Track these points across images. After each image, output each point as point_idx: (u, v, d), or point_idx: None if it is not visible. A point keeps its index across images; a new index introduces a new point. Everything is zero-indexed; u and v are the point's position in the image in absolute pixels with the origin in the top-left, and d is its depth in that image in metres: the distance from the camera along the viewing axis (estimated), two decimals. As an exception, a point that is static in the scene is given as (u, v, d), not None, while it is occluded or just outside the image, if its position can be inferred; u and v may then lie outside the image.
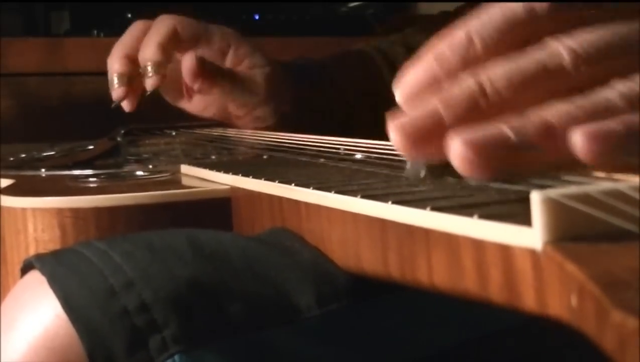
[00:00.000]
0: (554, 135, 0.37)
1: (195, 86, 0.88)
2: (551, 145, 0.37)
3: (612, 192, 0.32)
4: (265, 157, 0.74)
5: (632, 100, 0.38)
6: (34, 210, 0.63)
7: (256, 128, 0.94)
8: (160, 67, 0.89)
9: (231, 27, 0.98)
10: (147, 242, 0.53)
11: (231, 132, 0.94)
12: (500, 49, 0.41)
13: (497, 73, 0.40)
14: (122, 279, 0.49)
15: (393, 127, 0.40)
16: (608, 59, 0.40)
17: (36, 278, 0.52)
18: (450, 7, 1.13)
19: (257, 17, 1.60)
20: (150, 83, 0.89)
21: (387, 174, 0.52)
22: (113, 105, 0.92)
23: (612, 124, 0.36)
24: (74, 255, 0.53)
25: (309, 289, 0.51)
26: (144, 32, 0.92)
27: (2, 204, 0.67)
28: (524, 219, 0.33)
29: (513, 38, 0.41)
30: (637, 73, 0.39)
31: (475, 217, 0.35)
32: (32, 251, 0.63)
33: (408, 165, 0.43)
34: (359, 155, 0.63)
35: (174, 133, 1.00)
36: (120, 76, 0.91)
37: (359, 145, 0.66)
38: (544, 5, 0.41)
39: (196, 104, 0.95)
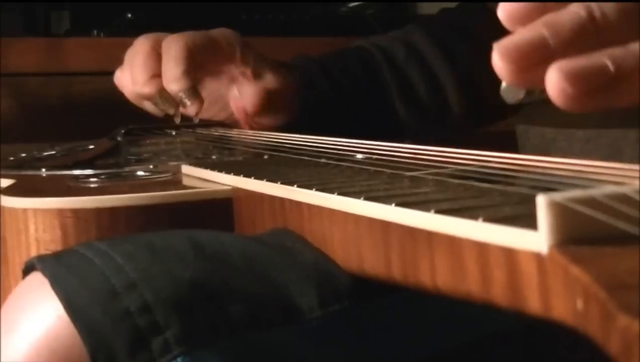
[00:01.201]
0: None
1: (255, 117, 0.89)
2: None
3: (617, 195, 0.32)
4: (266, 157, 0.74)
5: None
6: (35, 210, 0.63)
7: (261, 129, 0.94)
8: (193, 92, 0.89)
9: (231, 27, 0.98)
10: (148, 243, 0.53)
11: (232, 132, 0.94)
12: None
13: (607, 2, 0.39)
14: (124, 280, 0.49)
15: (498, 51, 0.39)
16: None
17: (38, 279, 0.52)
18: (450, 6, 1.14)
19: (257, 17, 1.60)
20: (192, 111, 0.89)
21: (389, 175, 0.52)
22: (177, 120, 0.92)
23: None
24: (76, 256, 0.53)
25: (310, 290, 0.51)
26: (156, 50, 0.91)
27: (3, 204, 0.67)
28: (529, 222, 0.33)
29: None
30: None
31: (480, 220, 0.35)
32: (33, 252, 0.63)
33: (504, 87, 0.41)
34: (359, 156, 0.63)
35: (174, 133, 1.00)
36: (161, 96, 0.91)
37: (359, 146, 0.66)
38: None
39: (207, 111, 0.95)
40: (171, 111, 0.90)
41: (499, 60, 0.39)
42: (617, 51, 0.37)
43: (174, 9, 1.48)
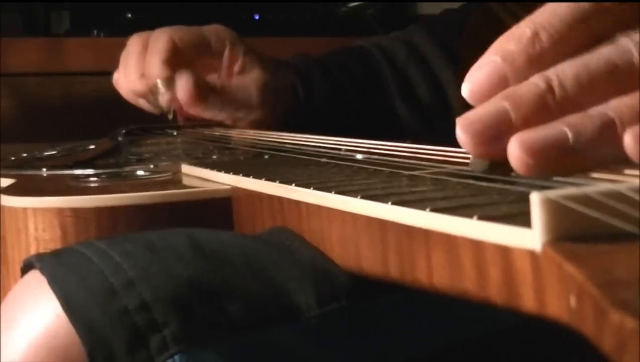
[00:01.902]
0: (613, 131, 0.37)
1: (190, 109, 0.89)
2: (611, 141, 0.37)
3: (611, 193, 0.32)
4: (266, 157, 0.74)
5: None
6: (34, 209, 0.63)
7: (256, 129, 0.94)
8: (170, 82, 0.89)
9: (231, 27, 0.98)
10: (147, 241, 0.53)
11: (232, 132, 0.94)
12: (568, 44, 0.40)
13: (565, 71, 0.39)
14: (122, 279, 0.49)
15: (461, 125, 0.40)
16: None
17: (36, 278, 0.52)
18: (450, 7, 1.14)
19: (257, 17, 1.60)
20: (164, 99, 0.89)
21: (388, 174, 0.52)
22: (170, 116, 0.93)
23: None
24: (74, 255, 0.53)
25: (309, 289, 0.51)
26: (146, 46, 0.92)
27: (3, 203, 0.67)
28: (524, 220, 0.33)
29: (581, 33, 0.41)
30: None
31: (475, 218, 0.35)
32: (32, 251, 0.63)
33: (472, 160, 0.42)
34: (359, 156, 0.63)
35: (175, 133, 1.00)
36: (156, 90, 0.91)
37: (359, 145, 0.66)
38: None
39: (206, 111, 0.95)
40: (164, 107, 0.90)
41: (461, 134, 0.39)
42: (576, 119, 0.38)
43: (174, 9, 1.48)
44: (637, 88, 0.38)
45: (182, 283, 0.49)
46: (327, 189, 0.48)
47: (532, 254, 0.33)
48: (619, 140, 0.37)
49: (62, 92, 1.39)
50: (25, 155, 0.93)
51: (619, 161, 0.38)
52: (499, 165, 0.40)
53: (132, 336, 0.48)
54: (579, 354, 0.41)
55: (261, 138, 0.85)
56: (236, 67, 0.94)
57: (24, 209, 0.64)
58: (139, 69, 0.92)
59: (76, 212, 0.63)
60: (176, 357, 0.48)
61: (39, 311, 0.50)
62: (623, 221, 0.30)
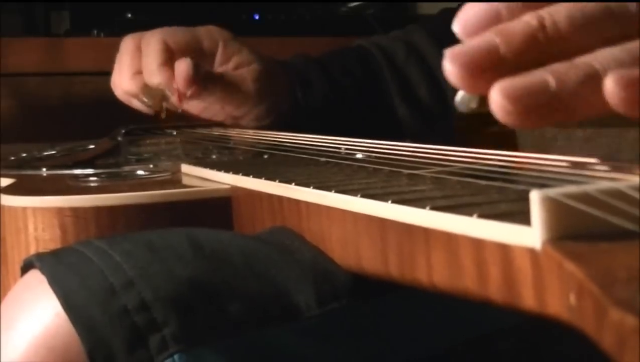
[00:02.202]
0: (597, 82, 0.36)
1: (188, 92, 0.89)
2: (593, 93, 0.36)
3: (611, 191, 0.32)
4: (265, 156, 0.74)
5: None
6: (34, 209, 0.64)
7: (256, 127, 0.94)
8: (171, 85, 0.89)
9: (231, 27, 0.98)
10: (147, 241, 0.53)
11: (232, 132, 0.95)
12: None
13: (559, 10, 0.39)
14: (122, 278, 0.49)
15: (450, 56, 0.39)
16: None
17: (36, 277, 0.52)
18: (450, 7, 1.14)
19: (257, 17, 1.60)
20: (172, 102, 0.90)
21: (388, 173, 0.52)
22: (162, 115, 0.93)
23: None
24: (74, 254, 0.53)
25: (308, 288, 0.51)
26: (138, 47, 0.92)
27: (3, 203, 0.67)
28: (523, 218, 0.33)
29: None
30: None
31: (475, 216, 0.35)
32: (32, 250, 0.63)
33: (459, 95, 0.42)
34: (359, 155, 0.63)
35: (174, 133, 1.01)
36: (145, 92, 0.91)
37: (359, 145, 0.66)
38: None
39: (194, 106, 0.95)
40: (156, 107, 0.91)
41: (449, 65, 0.39)
42: (561, 67, 0.37)
43: (174, 9, 1.48)
44: (631, 37, 0.38)
45: (182, 283, 0.49)
46: (327, 188, 0.48)
47: (532, 252, 0.33)
48: (601, 93, 0.36)
49: (62, 92, 1.39)
50: (25, 155, 0.93)
51: (602, 114, 0.37)
52: (485, 101, 0.40)
53: (131, 335, 0.48)
54: (579, 353, 0.41)
55: (260, 138, 0.85)
56: (231, 64, 0.94)
57: (24, 209, 0.64)
58: (132, 69, 0.92)
59: (76, 211, 0.63)
60: (176, 356, 0.48)
61: (39, 310, 0.50)
62: (623, 219, 0.30)
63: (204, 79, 0.90)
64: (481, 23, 0.40)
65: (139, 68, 0.91)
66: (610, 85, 0.35)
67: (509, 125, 0.38)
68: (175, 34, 0.93)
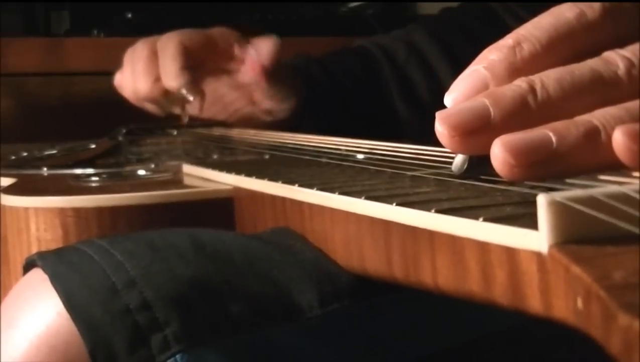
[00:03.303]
0: (598, 139, 0.37)
1: (256, 75, 0.90)
2: (594, 149, 0.37)
3: (617, 195, 0.32)
4: (266, 156, 0.74)
5: None
6: (36, 209, 0.64)
7: (266, 127, 0.94)
8: (192, 87, 0.89)
9: (231, 27, 0.98)
10: (148, 240, 0.53)
11: (233, 132, 0.95)
12: (550, 55, 0.41)
13: (549, 75, 0.40)
14: (124, 278, 0.49)
15: (439, 117, 0.40)
16: None
17: (38, 276, 0.52)
18: (450, 6, 1.14)
19: (257, 17, 1.60)
20: (196, 104, 0.90)
21: (390, 175, 0.52)
22: (185, 120, 0.93)
23: None
24: (76, 253, 0.53)
25: (310, 289, 0.51)
26: (154, 51, 0.92)
27: (5, 203, 0.67)
28: (529, 221, 0.33)
29: (564, 46, 0.41)
30: None
31: (481, 219, 0.35)
32: (34, 250, 0.63)
33: (456, 159, 0.43)
34: (360, 156, 0.63)
35: (175, 132, 1.01)
36: (165, 97, 0.91)
37: (360, 146, 0.66)
38: (595, 8, 0.41)
39: (196, 107, 0.95)
40: (178, 111, 0.91)
41: (439, 126, 0.40)
42: (560, 124, 0.38)
43: (174, 9, 1.48)
44: (621, 100, 0.39)
45: (184, 282, 0.50)
46: (331, 190, 0.48)
47: (538, 255, 0.33)
48: (603, 148, 0.37)
49: (62, 92, 1.38)
50: (25, 154, 0.93)
51: (602, 170, 0.39)
52: (479, 164, 0.41)
53: (133, 335, 0.48)
54: (581, 354, 0.41)
55: (261, 138, 0.85)
56: (245, 69, 0.94)
57: (26, 209, 0.64)
58: (151, 74, 0.92)
59: (77, 212, 0.63)
60: (177, 356, 0.48)
61: (41, 309, 0.50)
62: (629, 223, 0.30)
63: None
64: (471, 94, 0.41)
65: (157, 74, 0.91)
66: (619, 138, 0.36)
67: (511, 180, 0.38)
68: (191, 36, 0.93)
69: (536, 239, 0.32)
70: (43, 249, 0.62)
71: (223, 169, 0.65)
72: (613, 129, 0.37)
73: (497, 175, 0.38)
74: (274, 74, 0.93)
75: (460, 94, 0.42)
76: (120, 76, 0.96)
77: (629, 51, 0.40)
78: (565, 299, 0.31)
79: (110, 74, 0.97)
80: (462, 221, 0.37)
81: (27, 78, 1.37)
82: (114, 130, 1.01)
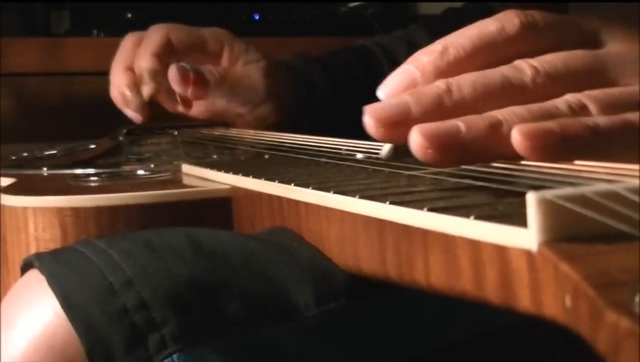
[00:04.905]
0: (500, 130, 0.43)
1: (189, 94, 0.89)
2: (497, 139, 0.43)
3: (607, 193, 0.32)
4: (266, 156, 0.74)
5: (574, 109, 0.45)
6: (34, 209, 0.64)
7: (259, 128, 0.94)
8: (155, 75, 0.89)
9: (230, 27, 0.98)
10: (146, 240, 0.53)
11: (233, 132, 0.95)
12: (473, 61, 0.48)
13: (466, 78, 0.46)
14: (121, 278, 0.49)
15: (367, 111, 0.46)
16: (565, 79, 0.47)
17: (35, 277, 0.52)
18: (451, 7, 1.14)
19: (257, 17, 1.60)
20: (146, 91, 0.90)
21: (387, 174, 0.52)
22: (135, 118, 0.92)
23: (548, 124, 0.42)
24: (74, 253, 0.53)
25: (307, 288, 0.51)
26: (138, 43, 0.92)
27: (3, 203, 0.67)
28: (520, 219, 0.33)
29: (485, 54, 0.48)
30: (588, 89, 0.46)
31: (472, 218, 0.36)
32: (32, 250, 0.63)
33: (384, 147, 0.48)
34: (359, 156, 0.63)
35: (175, 132, 1.01)
36: (131, 87, 0.91)
37: (359, 146, 0.66)
38: (515, 23, 0.48)
39: (197, 108, 0.95)
40: (136, 105, 0.90)
41: (366, 119, 0.45)
42: (470, 117, 0.44)
43: (174, 9, 1.48)
44: (527, 102, 0.45)
45: (181, 282, 0.50)
46: (326, 189, 0.48)
47: (528, 253, 0.33)
48: (504, 140, 0.42)
49: (62, 92, 1.38)
50: (25, 154, 0.93)
51: (505, 158, 0.45)
52: (402, 150, 0.46)
53: (130, 334, 0.48)
54: (577, 353, 0.41)
55: (261, 138, 0.85)
56: (239, 64, 0.94)
57: (24, 209, 0.64)
58: (125, 63, 0.92)
59: (76, 211, 0.63)
60: (174, 356, 0.48)
61: (38, 309, 0.50)
62: (619, 221, 0.31)
63: (199, 77, 0.90)
64: (401, 90, 0.48)
65: (130, 65, 0.92)
66: (515, 135, 0.41)
67: (427, 163, 0.44)
68: (179, 31, 0.93)
69: (526, 237, 0.32)
70: (41, 248, 0.62)
71: (221, 169, 0.65)
72: (515, 124, 0.42)
73: (420, 162, 0.44)
74: (230, 84, 0.92)
75: (391, 89, 0.48)
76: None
77: (537, 61, 0.47)
78: (554, 297, 0.31)
79: (110, 74, 0.97)
80: (454, 219, 0.37)
81: (27, 78, 1.36)
82: (114, 131, 1.01)
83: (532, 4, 0.54)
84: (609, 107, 0.45)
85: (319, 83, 1.00)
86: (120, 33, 0.98)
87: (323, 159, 0.64)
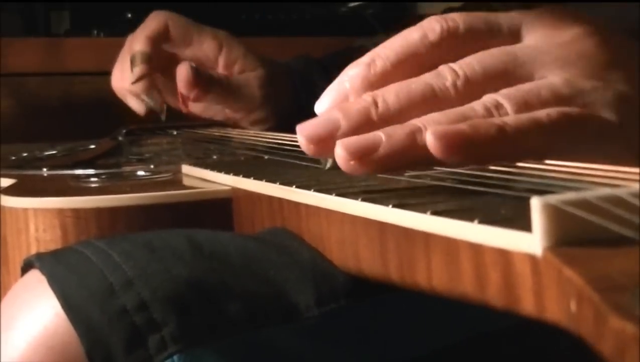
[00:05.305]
0: (419, 137, 0.45)
1: (191, 95, 0.89)
2: (416, 146, 0.45)
3: (610, 198, 0.32)
4: (266, 157, 0.74)
5: (490, 110, 0.46)
6: (35, 210, 0.64)
7: (257, 129, 0.94)
8: (146, 57, 0.89)
9: (230, 27, 0.98)
10: (146, 241, 0.53)
11: (233, 133, 0.95)
12: (399, 71, 0.49)
13: (389, 90, 0.48)
14: (121, 278, 0.49)
15: (298, 130, 0.48)
16: (483, 79, 0.48)
17: (36, 277, 0.52)
18: (450, 7, 1.13)
19: (257, 17, 1.60)
20: (135, 72, 0.89)
21: (387, 177, 0.52)
22: (162, 117, 0.93)
23: (459, 125, 0.44)
24: (74, 254, 0.53)
25: (307, 289, 0.51)
26: None
27: (4, 203, 0.67)
28: (523, 224, 0.33)
29: (410, 63, 0.50)
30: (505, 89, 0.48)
31: (476, 222, 0.36)
32: (33, 251, 0.63)
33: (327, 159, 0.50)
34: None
35: (175, 133, 1.01)
36: (151, 92, 0.91)
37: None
38: (436, 29, 0.50)
39: (196, 106, 0.95)
40: (156, 108, 0.90)
41: (299, 136, 0.47)
42: (392, 127, 0.46)
43: (174, 9, 1.47)
44: (451, 106, 0.47)
45: (181, 283, 0.50)
46: (328, 191, 0.48)
47: (532, 258, 0.33)
48: (423, 146, 0.44)
49: (62, 92, 1.38)
50: (25, 155, 0.93)
51: (428, 164, 0.46)
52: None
53: (130, 335, 0.48)
54: (578, 354, 0.41)
55: (261, 139, 0.85)
56: (236, 68, 0.94)
57: (25, 210, 0.64)
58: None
59: (77, 212, 0.63)
60: (175, 357, 0.48)
61: (39, 310, 0.50)
62: (622, 226, 0.31)
63: (207, 82, 0.90)
64: (334, 103, 0.49)
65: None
66: (428, 138, 0.43)
67: (350, 173, 0.46)
68: (179, 22, 0.93)
69: (530, 242, 0.32)
70: (42, 249, 0.62)
71: (222, 170, 0.65)
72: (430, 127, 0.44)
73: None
74: (229, 89, 0.92)
75: (326, 105, 0.49)
76: (114, 70, 0.96)
77: (457, 64, 0.49)
78: (558, 302, 0.31)
79: (110, 74, 0.97)
80: (457, 223, 0.37)
81: (27, 78, 1.36)
82: (114, 131, 1.01)
83: (532, 3, 0.55)
84: (522, 103, 0.47)
85: (319, 85, 1.00)
86: (120, 33, 0.98)
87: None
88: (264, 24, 1.60)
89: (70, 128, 1.32)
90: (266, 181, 0.56)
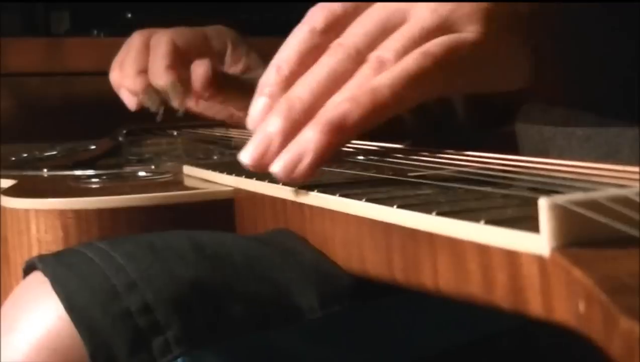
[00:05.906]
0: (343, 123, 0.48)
1: (206, 94, 0.89)
2: (342, 137, 0.49)
3: (619, 198, 0.32)
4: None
5: (376, 67, 0.50)
6: (36, 211, 0.63)
7: None
8: (176, 86, 0.89)
9: (230, 27, 0.98)
10: (149, 243, 0.53)
11: (233, 133, 0.94)
12: (304, 66, 0.53)
13: (298, 85, 0.52)
14: (124, 280, 0.49)
15: (240, 157, 0.51)
16: (370, 40, 0.52)
17: (38, 279, 0.52)
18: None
19: (257, 17, 1.60)
20: (177, 104, 0.90)
21: (391, 177, 0.52)
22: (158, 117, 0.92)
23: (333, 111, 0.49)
24: (76, 256, 0.52)
25: (311, 291, 0.51)
26: (146, 45, 0.92)
27: (5, 204, 0.67)
28: (530, 224, 0.33)
29: (312, 54, 0.53)
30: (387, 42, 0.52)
31: (482, 222, 0.35)
32: (34, 252, 0.63)
33: None
34: (360, 157, 0.63)
35: (176, 133, 1.01)
36: (146, 90, 0.91)
37: (360, 146, 0.66)
38: (319, 19, 0.54)
39: (199, 105, 0.95)
40: (153, 108, 0.90)
41: (244, 164, 0.51)
42: (305, 133, 0.49)
43: (174, 9, 1.48)
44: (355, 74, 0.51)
45: (184, 285, 0.49)
46: (332, 192, 0.48)
47: (540, 259, 0.33)
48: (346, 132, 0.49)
49: (62, 92, 1.38)
50: (25, 155, 0.93)
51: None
52: None
53: (134, 337, 0.48)
54: (582, 355, 0.41)
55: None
56: (240, 66, 0.94)
57: (26, 211, 0.64)
58: (138, 66, 0.92)
59: (78, 213, 0.62)
60: (178, 359, 0.48)
61: (41, 312, 0.50)
62: (631, 226, 0.30)
63: (221, 82, 0.90)
64: (263, 114, 0.53)
65: (144, 66, 0.91)
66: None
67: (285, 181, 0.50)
68: (184, 35, 0.93)
69: (538, 243, 0.32)
70: (43, 250, 0.62)
71: (223, 171, 0.65)
72: (337, 111, 0.49)
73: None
74: (239, 88, 0.92)
75: (254, 122, 0.53)
76: (113, 65, 0.96)
77: (343, 37, 0.53)
78: (566, 303, 0.31)
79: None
80: (464, 223, 0.37)
81: (27, 78, 1.36)
82: (115, 131, 1.01)
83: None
84: (401, 49, 0.51)
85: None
86: (120, 33, 0.98)
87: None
88: (264, 24, 1.60)
89: (70, 128, 1.31)
90: (269, 182, 0.56)
